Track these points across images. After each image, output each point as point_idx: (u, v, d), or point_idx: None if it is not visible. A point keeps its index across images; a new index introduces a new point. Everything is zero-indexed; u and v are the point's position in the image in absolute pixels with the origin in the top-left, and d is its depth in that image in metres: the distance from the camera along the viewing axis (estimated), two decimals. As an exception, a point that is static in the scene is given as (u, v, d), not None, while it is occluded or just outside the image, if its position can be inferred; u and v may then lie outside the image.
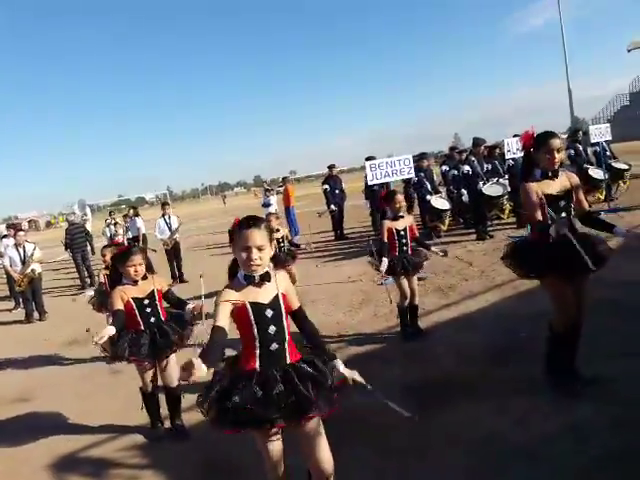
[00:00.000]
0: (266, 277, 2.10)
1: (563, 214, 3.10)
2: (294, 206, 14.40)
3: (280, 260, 6.16)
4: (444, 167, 11.46)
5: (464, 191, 9.32)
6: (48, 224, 69.89)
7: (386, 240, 4.55)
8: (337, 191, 12.07)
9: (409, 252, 4.62)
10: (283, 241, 6.36)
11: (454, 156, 11.15)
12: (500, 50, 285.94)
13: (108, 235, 14.40)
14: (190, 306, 3.44)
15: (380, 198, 4.88)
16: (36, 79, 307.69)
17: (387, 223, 4.57)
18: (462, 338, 4.45)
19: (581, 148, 10.19)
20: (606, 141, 9.99)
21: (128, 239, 12.60)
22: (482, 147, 8.88)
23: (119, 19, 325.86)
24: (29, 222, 78.53)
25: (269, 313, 2.10)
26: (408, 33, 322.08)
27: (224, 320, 2.02)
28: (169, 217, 9.52)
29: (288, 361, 2.14)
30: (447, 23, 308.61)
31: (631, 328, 3.99)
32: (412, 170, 7.24)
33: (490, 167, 9.67)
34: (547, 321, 3.31)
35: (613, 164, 10.01)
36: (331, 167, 12.33)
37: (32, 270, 8.00)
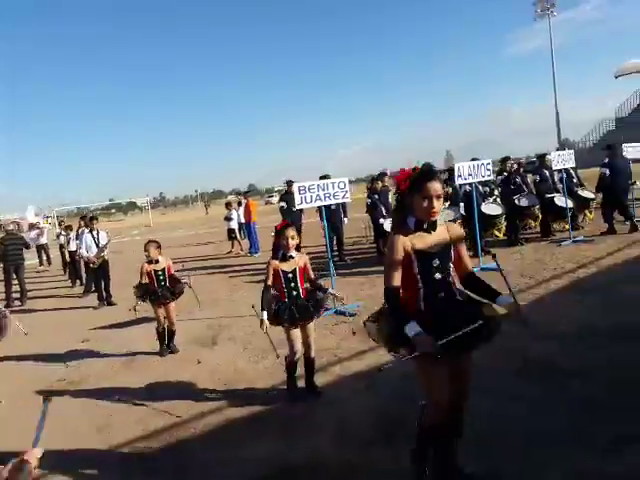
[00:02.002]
0: None
1: (437, 275, 2.45)
2: (255, 222, 13.77)
3: (158, 297, 5.44)
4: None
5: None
6: (30, 226, 68.65)
7: (270, 283, 3.87)
8: (294, 209, 11.40)
9: (301, 297, 3.93)
10: (163, 274, 5.53)
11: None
12: (496, 71, 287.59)
13: (62, 243, 13.68)
14: None
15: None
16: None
17: (273, 264, 3.88)
18: (356, 403, 3.76)
19: (548, 174, 9.63)
20: (573, 168, 9.45)
21: (70, 251, 11.88)
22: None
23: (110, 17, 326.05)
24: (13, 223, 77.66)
25: None
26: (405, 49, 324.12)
27: None
28: (97, 232, 8.78)
29: None
30: (436, 37, 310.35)
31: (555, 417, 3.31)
32: (348, 195, 6.61)
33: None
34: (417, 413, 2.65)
35: (579, 192, 9.44)
36: (289, 183, 11.67)
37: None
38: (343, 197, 6.53)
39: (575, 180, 9.64)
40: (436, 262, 2.43)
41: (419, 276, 2.42)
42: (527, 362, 4.07)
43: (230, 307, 7.48)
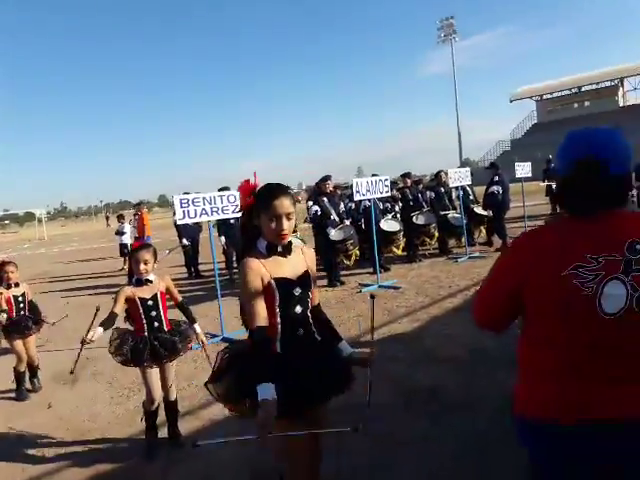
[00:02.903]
0: None
1: (298, 308, 2.03)
2: (150, 236, 12.76)
3: (19, 328, 4.62)
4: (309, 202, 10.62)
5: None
6: None
7: (117, 311, 3.24)
8: (191, 223, 10.65)
9: (165, 329, 3.34)
10: (23, 300, 4.72)
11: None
12: (404, 93, 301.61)
13: None
14: None
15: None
16: None
17: (126, 291, 3.25)
18: (226, 454, 3.22)
19: (443, 191, 9.79)
20: (469, 185, 9.70)
21: None
22: (327, 184, 8.02)
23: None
24: None
25: None
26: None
27: None
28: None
29: None
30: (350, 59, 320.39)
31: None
32: (238, 208, 6.10)
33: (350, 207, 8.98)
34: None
35: (475, 209, 9.69)
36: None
37: None
38: (233, 211, 6.02)
39: (471, 197, 9.89)
40: (297, 291, 2.02)
41: (279, 309, 1.98)
42: (413, 391, 3.80)
43: (107, 335, 6.60)
